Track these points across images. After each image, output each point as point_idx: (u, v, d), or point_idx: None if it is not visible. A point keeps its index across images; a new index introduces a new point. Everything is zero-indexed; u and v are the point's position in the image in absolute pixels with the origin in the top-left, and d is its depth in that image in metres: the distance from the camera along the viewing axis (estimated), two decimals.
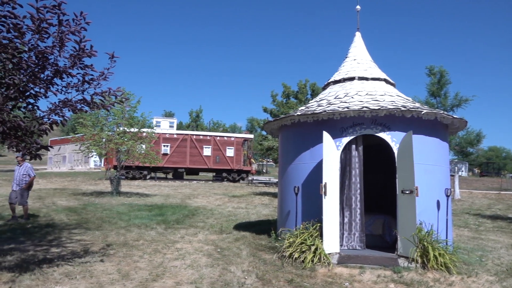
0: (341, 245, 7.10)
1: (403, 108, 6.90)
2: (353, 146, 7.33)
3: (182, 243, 7.92)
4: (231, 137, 34.89)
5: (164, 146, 32.05)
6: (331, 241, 6.73)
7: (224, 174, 33.37)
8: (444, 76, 22.62)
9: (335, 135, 7.25)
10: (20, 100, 5.33)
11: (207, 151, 33.18)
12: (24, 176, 10.56)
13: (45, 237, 8.31)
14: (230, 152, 33.56)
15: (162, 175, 35.78)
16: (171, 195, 19.30)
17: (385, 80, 8.49)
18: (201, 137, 33.87)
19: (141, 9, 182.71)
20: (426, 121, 7.19)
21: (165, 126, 37.09)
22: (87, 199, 16.26)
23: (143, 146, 19.92)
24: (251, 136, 38.34)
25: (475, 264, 6.60)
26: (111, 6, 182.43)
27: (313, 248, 6.38)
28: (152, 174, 32.18)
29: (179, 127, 58.53)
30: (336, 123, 7.32)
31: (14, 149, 5.20)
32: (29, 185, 10.75)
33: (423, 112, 7.00)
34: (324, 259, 6.24)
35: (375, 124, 7.16)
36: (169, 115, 77.71)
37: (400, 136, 7.00)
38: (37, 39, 5.02)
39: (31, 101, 5.50)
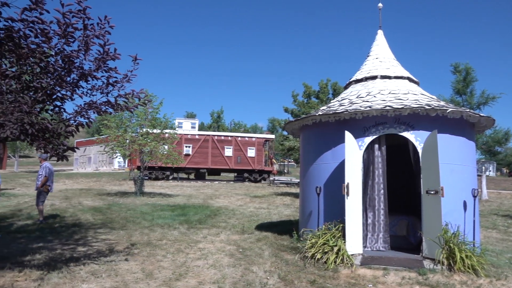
0: (364, 247, 7.02)
1: (427, 107, 6.76)
2: (376, 146, 7.23)
3: (204, 243, 7.99)
4: (252, 137, 34.93)
5: (186, 146, 32.37)
6: (354, 242, 6.65)
7: (246, 175, 33.43)
8: (470, 73, 22.01)
9: (357, 135, 7.17)
10: (48, 102, 5.49)
11: (228, 151, 33.33)
12: (40, 176, 10.49)
13: (72, 236, 8.52)
14: (251, 152, 33.60)
15: (184, 176, 36.15)
16: (193, 196, 19.49)
17: (408, 78, 8.33)
18: (222, 137, 34.04)
19: (163, 11, 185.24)
20: (451, 120, 7.03)
21: (187, 127, 37.47)
22: (111, 199, 16.59)
23: (166, 147, 20.20)
24: (272, 136, 38.28)
25: (505, 267, 6.40)
26: (131, 8, 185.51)
27: (335, 249, 6.32)
28: (175, 175, 32.54)
29: (201, 127, 59.00)
30: (359, 122, 7.23)
31: (42, 151, 5.35)
32: (42, 185, 10.44)
33: (448, 111, 6.85)
34: (347, 260, 6.18)
35: (398, 123, 7.04)
36: (191, 116, 78.55)
37: (424, 135, 6.86)
38: (63, 44, 5.16)
39: (58, 103, 5.66)
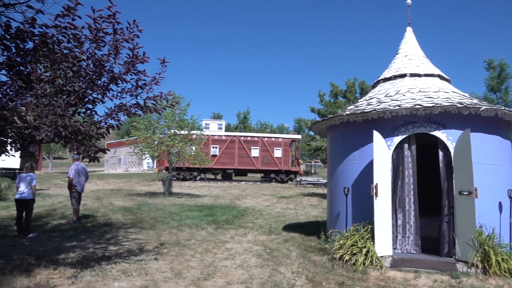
0: (394, 248, 6.88)
1: (459, 105, 6.56)
2: (406, 146, 7.08)
3: (232, 243, 8.03)
4: (278, 138, 34.88)
5: (213, 147, 32.65)
6: (384, 243, 6.53)
7: (272, 175, 33.39)
8: (505, 69, 21.22)
9: (386, 135, 7.04)
10: (80, 105, 5.66)
11: (255, 152, 33.38)
12: (79, 176, 10.74)
13: (104, 235, 8.75)
14: (278, 153, 33.54)
15: (212, 176, 36.47)
16: (220, 196, 19.63)
17: (439, 76, 8.11)
18: (249, 138, 34.13)
19: (191, 12, 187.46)
20: (485, 118, 6.79)
21: (213, 128, 37.78)
22: (141, 200, 16.93)
23: (193, 148, 20.46)
24: (299, 136, 38.09)
25: None
26: (162, 8, 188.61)
27: (364, 250, 6.22)
28: (202, 175, 32.88)
29: (227, 128, 59.39)
30: (387, 122, 7.10)
31: (75, 152, 5.52)
32: (69, 185, 10.65)
33: (481, 109, 6.62)
34: (376, 262, 6.07)
35: (429, 122, 6.86)
36: (217, 117, 79.21)
37: (456, 134, 6.66)
38: (95, 48, 5.31)
39: (90, 106, 5.84)
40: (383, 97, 7.69)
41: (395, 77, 8.27)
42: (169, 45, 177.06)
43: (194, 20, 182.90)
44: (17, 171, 20.94)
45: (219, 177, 36.33)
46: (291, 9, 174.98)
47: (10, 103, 5.18)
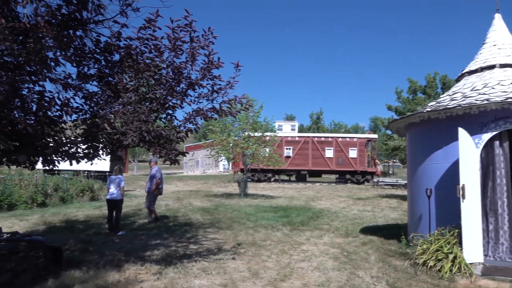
0: (485, 255, 6.32)
1: None
2: (496, 143, 6.48)
3: (307, 245, 7.97)
4: (353, 137, 33.93)
5: (286, 149, 32.70)
6: (473, 249, 6.04)
7: (348, 176, 32.56)
8: None
9: (473, 132, 6.51)
10: (161, 111, 6.01)
11: (329, 152, 32.81)
12: (152, 179, 11.06)
13: (184, 234, 9.17)
14: (353, 153, 32.62)
15: (286, 178, 36.54)
16: (295, 197, 19.60)
17: None
18: (322, 139, 33.64)
19: (264, 15, 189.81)
20: None
21: (286, 130, 37.73)
22: (218, 200, 17.49)
23: (267, 150, 20.68)
24: (375, 136, 36.73)
25: None
26: (233, 11, 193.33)
27: (451, 256, 5.81)
28: (276, 177, 33.08)
29: (300, 129, 59.11)
30: (474, 118, 6.56)
31: (158, 155, 5.87)
32: (155, 188, 10.97)
33: None
34: (465, 269, 5.63)
35: None
36: (290, 118, 79.16)
37: None
38: (173, 56, 5.61)
39: (170, 112, 6.17)
40: (469, 91, 7.13)
41: (482, 69, 7.62)
42: (242, 48, 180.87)
43: (267, 23, 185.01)
44: (107, 173, 22.77)
45: (293, 178, 36.29)
46: (364, 10, 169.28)
47: (100, 111, 5.66)
